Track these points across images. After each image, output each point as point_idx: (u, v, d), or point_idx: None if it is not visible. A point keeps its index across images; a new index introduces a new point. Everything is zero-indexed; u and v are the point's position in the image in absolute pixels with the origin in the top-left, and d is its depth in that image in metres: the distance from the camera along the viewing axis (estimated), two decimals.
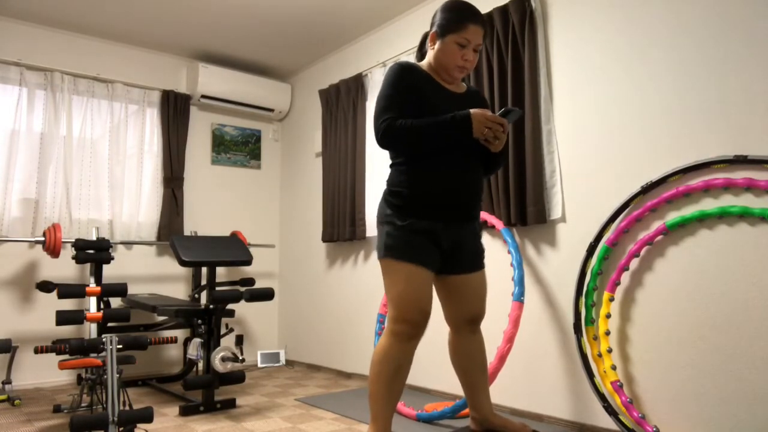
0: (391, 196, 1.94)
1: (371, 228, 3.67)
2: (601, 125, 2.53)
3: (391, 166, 2.00)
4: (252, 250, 4.60)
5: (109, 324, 3.47)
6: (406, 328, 1.84)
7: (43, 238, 3.31)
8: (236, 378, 2.94)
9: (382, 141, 1.89)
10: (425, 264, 1.87)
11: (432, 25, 1.99)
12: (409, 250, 1.86)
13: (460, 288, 2.01)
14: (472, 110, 1.86)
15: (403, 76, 1.92)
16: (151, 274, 4.09)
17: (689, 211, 2.18)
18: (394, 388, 1.86)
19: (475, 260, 2.02)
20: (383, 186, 3.58)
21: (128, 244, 3.95)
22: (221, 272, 4.39)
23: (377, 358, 1.87)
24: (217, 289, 2.95)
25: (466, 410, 2.53)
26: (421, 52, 2.11)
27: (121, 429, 2.18)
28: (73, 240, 3.27)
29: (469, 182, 1.95)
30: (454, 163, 1.92)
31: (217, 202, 4.47)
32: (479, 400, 2.08)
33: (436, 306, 3.14)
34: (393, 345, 1.85)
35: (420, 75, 1.95)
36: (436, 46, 1.96)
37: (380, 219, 1.96)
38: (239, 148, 4.62)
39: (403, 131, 1.85)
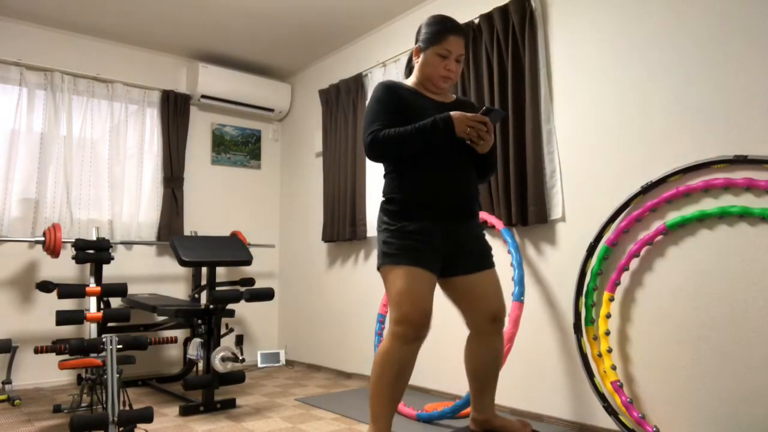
0: (386, 204, 1.99)
1: (372, 228, 3.67)
2: (601, 125, 2.53)
3: (384, 176, 2.04)
4: (252, 250, 4.60)
5: (109, 324, 3.47)
6: (407, 330, 1.83)
7: (43, 238, 3.31)
8: (236, 378, 2.94)
9: (370, 152, 1.94)
10: (422, 264, 1.87)
11: (416, 41, 2.05)
12: (405, 253, 1.88)
13: (469, 289, 1.98)
14: (452, 112, 1.90)
15: (387, 93, 1.98)
16: (151, 274, 4.09)
17: (689, 211, 2.18)
18: (396, 391, 1.86)
19: (479, 260, 2.00)
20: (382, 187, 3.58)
21: (128, 244, 3.95)
22: (221, 272, 4.39)
23: (379, 360, 1.86)
24: (217, 289, 2.95)
25: (466, 410, 2.53)
26: (409, 68, 2.17)
27: (121, 429, 2.18)
28: (73, 240, 3.27)
29: (459, 181, 1.96)
30: (443, 164, 1.95)
31: (217, 202, 4.47)
32: (484, 404, 2.08)
33: (436, 307, 3.14)
34: (395, 347, 1.84)
35: (405, 90, 2.01)
36: (420, 59, 2.03)
37: (378, 227, 2.01)
38: (239, 148, 4.62)
39: (388, 139, 1.89)
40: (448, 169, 1.95)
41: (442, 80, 2.01)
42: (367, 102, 2.02)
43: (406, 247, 1.88)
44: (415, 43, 2.06)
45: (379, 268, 1.95)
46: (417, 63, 2.05)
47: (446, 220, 1.94)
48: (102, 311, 2.74)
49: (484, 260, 2.02)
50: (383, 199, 2.01)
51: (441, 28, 1.98)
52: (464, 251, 1.98)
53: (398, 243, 1.89)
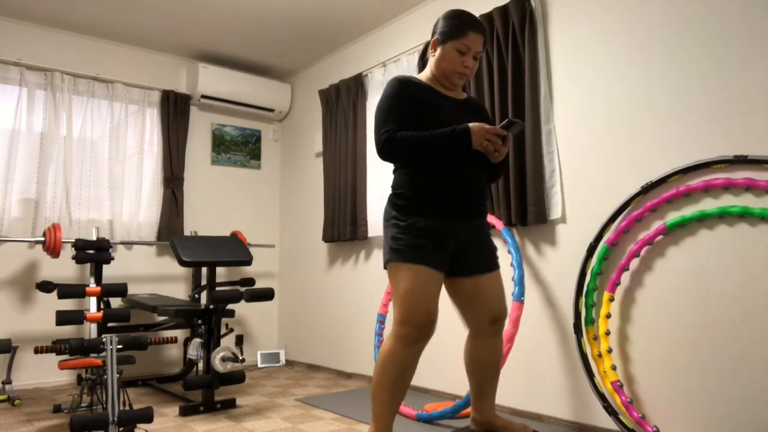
0: (395, 198, 1.96)
1: (372, 228, 3.67)
2: (600, 125, 2.53)
3: (394, 171, 2.03)
4: (252, 250, 4.60)
5: (109, 324, 3.47)
6: (410, 331, 1.82)
7: (43, 238, 3.31)
8: (236, 378, 2.94)
9: (383, 153, 1.92)
10: (430, 264, 1.86)
11: (434, 33, 2.02)
12: (413, 251, 1.86)
13: (473, 291, 1.98)
14: (471, 123, 1.89)
15: (401, 89, 1.95)
16: (151, 274, 4.09)
17: (689, 211, 2.18)
18: (397, 392, 1.85)
19: (487, 260, 2.00)
20: (384, 186, 3.59)
21: (128, 244, 3.95)
22: (221, 272, 4.39)
23: (381, 360, 1.86)
24: (217, 289, 2.95)
25: (466, 410, 2.53)
26: (423, 61, 2.14)
27: (121, 429, 2.18)
28: (73, 240, 3.27)
29: (470, 180, 1.95)
30: (455, 163, 1.93)
31: (217, 202, 4.47)
32: (484, 404, 2.08)
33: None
34: (397, 348, 1.83)
35: (418, 86, 1.99)
36: (437, 53, 2.00)
37: (385, 220, 1.98)
38: (239, 148, 4.62)
39: (403, 144, 1.88)
40: (460, 167, 1.93)
41: (457, 76, 1.99)
42: (380, 97, 1.99)
43: (416, 245, 1.86)
44: (432, 36, 2.02)
45: (386, 265, 1.93)
46: (433, 56, 2.01)
47: (456, 218, 1.93)
48: (102, 311, 2.74)
49: (490, 261, 2.01)
50: (392, 192, 1.98)
51: (461, 22, 1.95)
52: (472, 250, 1.97)
53: (407, 240, 1.87)
